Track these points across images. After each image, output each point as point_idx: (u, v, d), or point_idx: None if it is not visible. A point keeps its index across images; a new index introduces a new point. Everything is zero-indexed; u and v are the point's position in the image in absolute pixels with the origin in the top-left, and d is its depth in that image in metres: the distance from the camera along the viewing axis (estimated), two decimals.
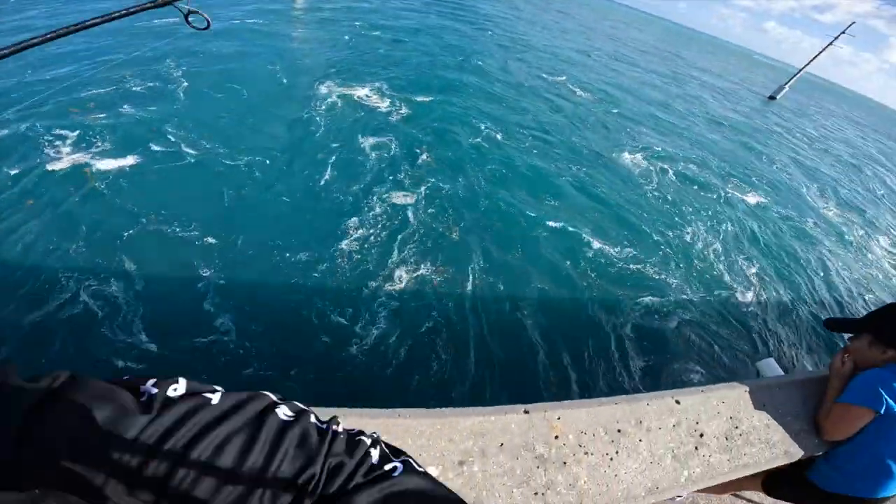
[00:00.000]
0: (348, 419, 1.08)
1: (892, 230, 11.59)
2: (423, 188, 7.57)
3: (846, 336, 1.97)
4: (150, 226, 5.71)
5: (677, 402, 1.50)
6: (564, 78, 17.31)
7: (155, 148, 7.21)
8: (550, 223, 7.38)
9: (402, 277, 5.61)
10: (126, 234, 5.52)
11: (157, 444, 0.42)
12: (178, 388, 0.47)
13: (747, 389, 1.73)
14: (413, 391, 4.40)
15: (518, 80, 15.47)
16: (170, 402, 0.45)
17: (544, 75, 17.01)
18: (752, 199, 10.38)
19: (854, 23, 39.05)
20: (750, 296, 6.99)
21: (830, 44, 39.79)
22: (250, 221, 6.01)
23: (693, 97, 21.07)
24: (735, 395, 1.69)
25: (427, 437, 1.12)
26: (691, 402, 1.54)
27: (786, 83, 36.86)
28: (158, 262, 5.22)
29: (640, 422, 1.39)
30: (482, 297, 5.61)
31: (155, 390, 0.45)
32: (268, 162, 7.39)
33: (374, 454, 0.54)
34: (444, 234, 6.58)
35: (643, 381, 5.11)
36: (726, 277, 7.23)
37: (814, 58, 40.29)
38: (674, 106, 17.73)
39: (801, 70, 40.26)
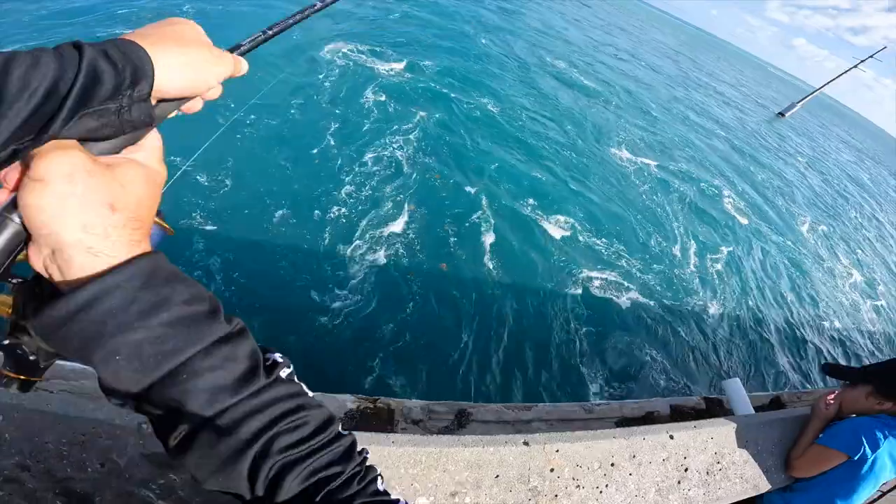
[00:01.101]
0: None
1: (861, 257, 11.75)
2: (415, 158, 7.54)
3: (840, 382, 2.00)
4: None
5: (671, 436, 1.51)
6: (573, 67, 17.06)
7: None
8: (538, 212, 7.39)
9: (383, 249, 5.61)
10: None
11: (261, 408, 0.45)
12: (290, 370, 0.51)
13: (735, 426, 1.75)
14: (395, 369, 4.40)
15: (523, 61, 15.23)
16: (283, 378, 0.50)
17: (552, 61, 16.75)
18: (735, 213, 10.40)
19: (885, 47, 38.22)
20: (720, 311, 7.08)
21: (855, 66, 38.66)
22: (246, 172, 5.93)
23: (699, 103, 20.91)
24: (724, 432, 1.70)
25: (423, 465, 1.09)
26: (683, 438, 1.55)
27: (798, 101, 36.15)
28: None
29: (634, 456, 1.39)
30: (466, 282, 5.62)
31: (281, 360, 0.51)
32: (272, 122, 7.22)
33: (381, 483, 0.53)
34: (431, 211, 6.55)
35: (611, 384, 5.19)
36: (701, 290, 7.30)
37: (834, 79, 39.54)
38: (677, 110, 17.59)
39: (817, 90, 39.53)
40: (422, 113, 8.87)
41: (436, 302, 5.19)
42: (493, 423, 1.73)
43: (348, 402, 1.62)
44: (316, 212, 5.74)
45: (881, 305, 9.90)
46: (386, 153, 7.37)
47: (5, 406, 1.10)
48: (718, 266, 8.07)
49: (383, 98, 9.09)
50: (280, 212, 5.51)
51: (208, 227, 5.01)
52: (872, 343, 8.48)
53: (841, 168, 19.32)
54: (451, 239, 6.16)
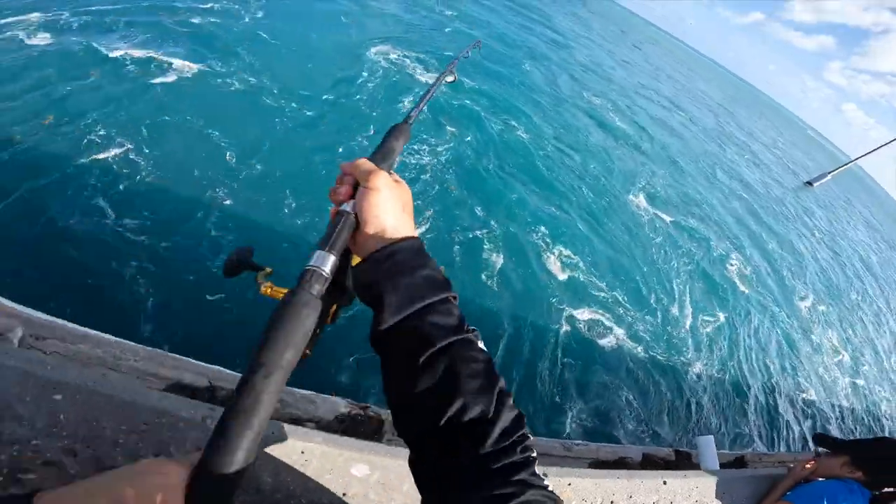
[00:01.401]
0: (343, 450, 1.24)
1: (851, 337, 11.68)
2: (437, 170, 7.84)
3: (821, 449, 2.18)
4: (187, 129, 6.11)
5: (664, 482, 1.70)
6: (610, 107, 17.27)
7: (218, 65, 7.63)
8: (545, 241, 7.58)
9: None
10: (162, 128, 5.91)
11: (465, 358, 0.60)
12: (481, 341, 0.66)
13: (717, 479, 1.98)
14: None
15: (562, 93, 15.55)
16: (478, 344, 0.65)
17: (590, 97, 17.04)
18: (738, 279, 10.47)
19: None
20: (702, 370, 7.19)
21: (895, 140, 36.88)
22: (274, 158, 6.27)
23: (729, 161, 20.91)
24: (708, 483, 1.93)
25: None
26: (674, 485, 1.74)
27: (829, 172, 34.88)
28: (180, 165, 5.52)
29: (631, 496, 1.59)
30: (463, 296, 5.79)
31: (475, 329, 0.66)
32: (308, 112, 7.63)
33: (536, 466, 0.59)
34: (446, 222, 6.82)
35: (582, 416, 5.33)
36: (689, 349, 7.40)
37: (871, 151, 37.92)
38: (705, 165, 17.62)
39: (851, 161, 38.39)
40: (452, 129, 9.19)
41: None
42: None
43: (341, 406, 1.64)
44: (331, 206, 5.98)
45: (860, 385, 9.89)
46: (411, 160, 7.68)
47: (70, 386, 1.08)
48: (710, 328, 8.17)
49: (422, 117, 9.36)
50: (294, 204, 5.75)
51: (226, 202, 5.30)
52: (843, 419, 8.50)
53: (854, 248, 19.14)
54: (456, 247, 6.43)
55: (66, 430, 1.04)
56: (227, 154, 5.94)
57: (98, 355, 1.35)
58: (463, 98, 10.65)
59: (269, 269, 0.77)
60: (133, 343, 1.43)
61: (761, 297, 10.28)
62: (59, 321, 1.39)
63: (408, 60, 11.37)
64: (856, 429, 8.49)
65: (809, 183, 33.18)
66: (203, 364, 1.48)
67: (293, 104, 7.58)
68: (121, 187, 4.88)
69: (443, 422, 0.56)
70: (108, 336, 1.41)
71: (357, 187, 0.70)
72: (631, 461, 2.38)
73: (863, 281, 15.83)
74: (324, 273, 0.60)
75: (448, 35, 14.72)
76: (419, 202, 6.78)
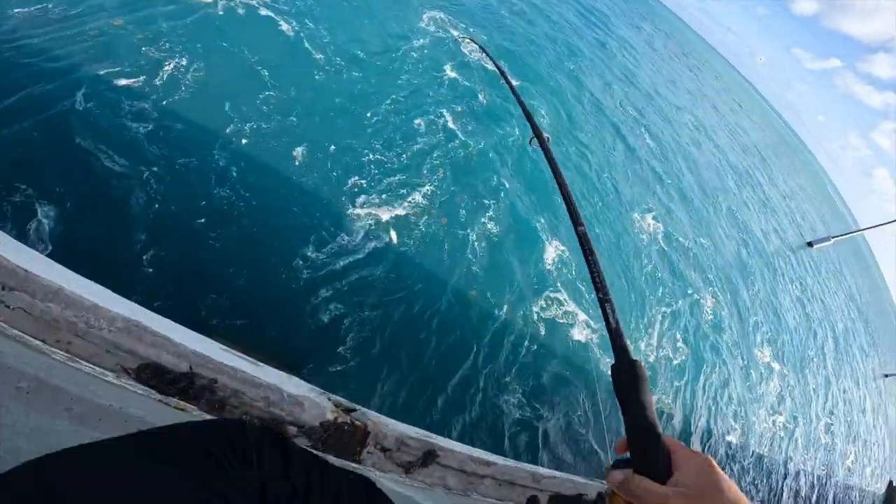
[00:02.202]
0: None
1: (790, 397, 12.13)
2: (462, 140, 8.19)
3: None
4: (238, 62, 6.42)
5: None
6: (642, 121, 17.28)
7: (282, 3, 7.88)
8: (545, 231, 7.90)
9: (400, 212, 6.16)
10: (216, 55, 6.21)
11: None
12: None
13: None
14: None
15: (596, 99, 15.59)
16: None
17: (623, 108, 16.99)
18: (710, 317, 10.84)
19: None
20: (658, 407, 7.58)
21: None
22: (304, 110, 6.51)
23: (741, 203, 20.77)
24: None
25: None
26: None
27: (833, 236, 33.68)
28: (219, 94, 5.80)
29: None
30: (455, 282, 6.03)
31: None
32: (350, 70, 7.84)
33: None
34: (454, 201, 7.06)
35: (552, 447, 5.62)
36: (652, 379, 7.84)
37: (879, 225, 37.27)
38: (718, 202, 17.68)
39: (857, 230, 38.06)
40: (485, 115, 9.46)
41: (431, 291, 5.69)
42: (451, 470, 1.77)
43: (328, 411, 1.54)
44: (342, 172, 6.15)
45: (780, 435, 10.49)
46: (437, 123, 8.01)
47: None
48: (670, 365, 8.56)
49: (458, 75, 9.60)
50: (306, 159, 5.94)
51: (244, 141, 5.52)
52: (757, 464, 9.11)
53: (828, 315, 19.57)
54: (462, 212, 6.79)
55: None
56: (264, 94, 6.21)
57: (68, 319, 1.20)
58: (504, 92, 10.81)
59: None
60: (110, 308, 1.27)
61: (723, 343, 10.69)
62: (34, 270, 1.20)
63: (456, 32, 11.51)
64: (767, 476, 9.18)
65: (811, 244, 32.52)
66: (185, 345, 1.36)
67: (338, 59, 7.80)
68: (158, 99, 5.18)
69: None
70: (83, 296, 1.24)
71: None
72: (586, 498, 2.29)
73: (824, 349, 16.45)
74: None
75: (504, 18, 14.58)
76: (436, 161, 7.17)
